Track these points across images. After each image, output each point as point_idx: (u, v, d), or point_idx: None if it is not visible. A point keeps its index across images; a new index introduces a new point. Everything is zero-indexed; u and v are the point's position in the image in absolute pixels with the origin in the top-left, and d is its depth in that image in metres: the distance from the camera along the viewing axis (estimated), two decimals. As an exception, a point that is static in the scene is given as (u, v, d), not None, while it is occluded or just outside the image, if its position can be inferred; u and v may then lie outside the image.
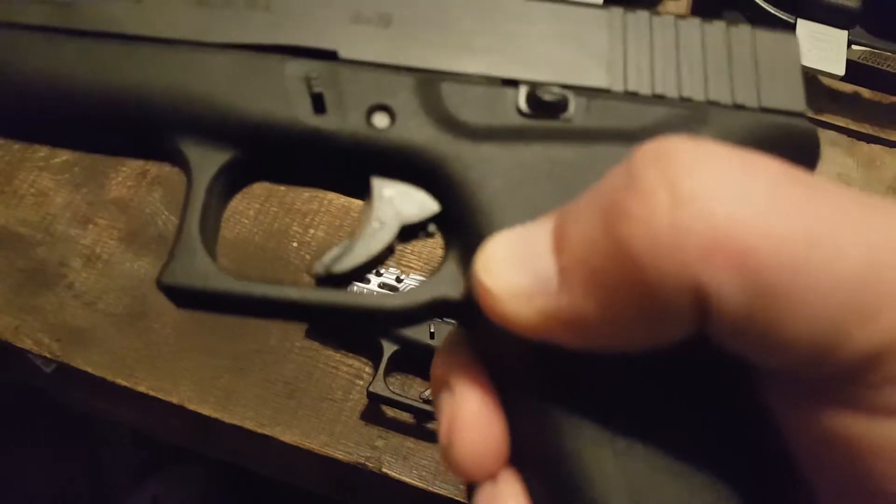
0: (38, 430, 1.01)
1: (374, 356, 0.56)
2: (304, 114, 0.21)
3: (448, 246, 0.21)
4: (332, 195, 0.63)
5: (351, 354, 0.57)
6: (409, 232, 0.21)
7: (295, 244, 0.61)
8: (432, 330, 0.54)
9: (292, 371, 0.56)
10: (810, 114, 0.23)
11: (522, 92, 0.21)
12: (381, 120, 0.21)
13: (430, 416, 0.54)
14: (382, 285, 0.55)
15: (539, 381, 0.19)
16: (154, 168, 0.63)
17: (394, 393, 0.53)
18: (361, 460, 0.54)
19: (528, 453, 0.19)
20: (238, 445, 0.62)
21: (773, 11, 0.65)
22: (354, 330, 0.54)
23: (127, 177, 0.63)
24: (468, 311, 0.20)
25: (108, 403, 0.66)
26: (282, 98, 0.21)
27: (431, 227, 0.21)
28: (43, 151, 0.63)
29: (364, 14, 0.22)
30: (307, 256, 0.60)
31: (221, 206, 0.22)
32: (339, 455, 0.54)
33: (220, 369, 0.56)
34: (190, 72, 0.21)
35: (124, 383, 0.55)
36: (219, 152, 0.21)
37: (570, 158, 0.20)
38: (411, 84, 0.21)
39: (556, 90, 0.21)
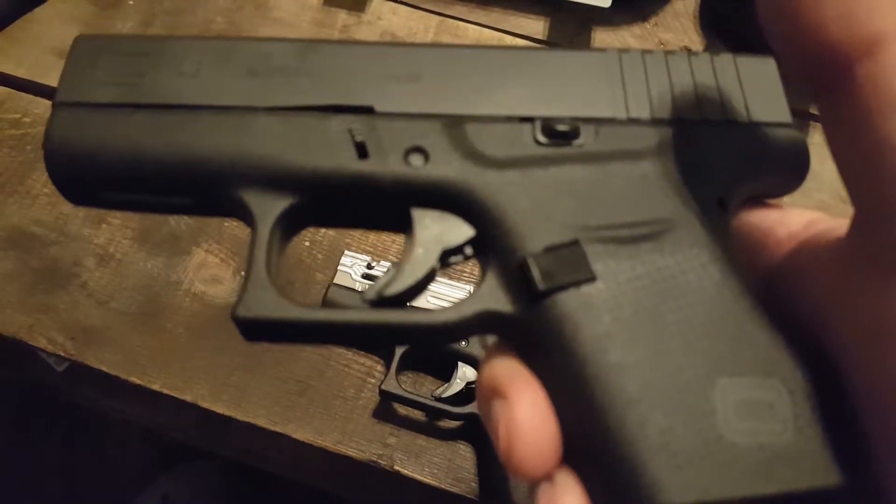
0: (50, 431, 1.02)
1: (385, 354, 0.57)
2: (349, 160, 0.23)
3: (485, 265, 0.23)
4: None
5: (362, 353, 0.57)
6: (449, 255, 0.23)
7: (307, 243, 0.61)
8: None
9: (304, 369, 0.56)
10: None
11: (538, 125, 0.24)
12: (416, 160, 0.23)
13: (442, 414, 0.54)
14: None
15: (585, 379, 0.20)
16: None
17: (405, 391, 0.53)
18: (373, 458, 0.54)
19: (578, 447, 0.20)
20: (250, 443, 0.62)
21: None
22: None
23: (139, 177, 0.63)
24: (512, 322, 0.22)
25: (120, 402, 0.67)
26: (329, 149, 0.23)
27: (468, 250, 0.23)
28: (56, 152, 0.64)
29: (395, 74, 0.24)
30: (319, 256, 0.60)
31: (282, 248, 0.24)
32: (352, 452, 0.54)
33: (233, 367, 0.56)
34: (246, 133, 0.23)
35: (137, 381, 0.56)
36: (278, 200, 0.23)
37: (585, 177, 0.23)
38: (440, 127, 0.24)
39: (568, 121, 0.24)
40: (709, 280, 0.21)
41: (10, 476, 1.00)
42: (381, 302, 0.23)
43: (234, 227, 0.61)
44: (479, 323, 0.22)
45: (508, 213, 0.22)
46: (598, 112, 0.24)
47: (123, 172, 0.23)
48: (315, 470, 0.62)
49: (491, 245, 0.23)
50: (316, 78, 0.24)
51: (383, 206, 0.24)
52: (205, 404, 0.55)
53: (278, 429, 0.54)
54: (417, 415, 0.55)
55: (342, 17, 0.73)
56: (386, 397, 0.54)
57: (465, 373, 0.55)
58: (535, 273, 0.21)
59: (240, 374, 0.56)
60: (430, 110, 0.24)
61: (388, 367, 0.54)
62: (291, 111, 0.24)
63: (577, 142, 0.24)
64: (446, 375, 0.55)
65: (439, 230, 0.23)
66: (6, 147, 0.64)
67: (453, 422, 0.55)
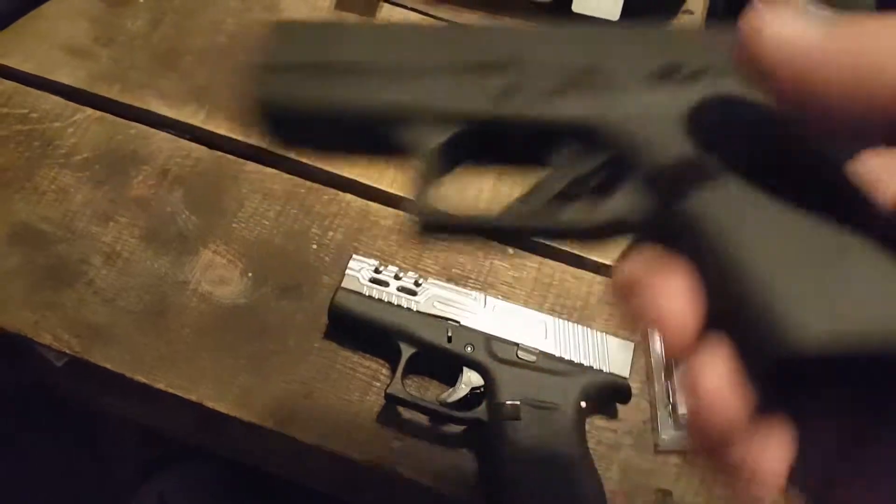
0: (47, 429, 1.01)
1: (391, 358, 0.57)
2: (501, 106, 0.27)
3: (616, 181, 0.26)
4: (350, 198, 0.63)
5: (368, 356, 0.57)
6: (583, 180, 0.26)
7: (314, 246, 0.61)
8: (450, 334, 0.55)
9: (310, 371, 0.57)
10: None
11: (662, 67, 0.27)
12: (557, 100, 0.27)
13: (446, 419, 0.55)
14: (401, 289, 0.56)
15: (725, 256, 0.22)
16: (175, 168, 0.64)
17: (411, 395, 0.54)
18: (377, 461, 0.54)
19: (721, 312, 0.22)
20: (253, 444, 0.62)
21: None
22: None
23: (148, 175, 0.63)
24: (646, 224, 0.25)
25: (122, 400, 0.66)
26: (484, 97, 0.27)
27: (601, 173, 0.26)
28: (64, 149, 0.64)
29: (537, 40, 0.28)
30: (326, 259, 0.61)
31: (440, 175, 0.28)
32: (355, 456, 0.54)
33: (238, 368, 0.56)
34: (418, 87, 0.28)
35: (143, 380, 0.56)
36: (439, 134, 0.27)
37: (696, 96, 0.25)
38: (579, 73, 0.27)
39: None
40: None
41: (7, 475, 0.99)
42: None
43: (241, 229, 0.62)
44: (616, 227, 0.25)
45: (639, 135, 0.25)
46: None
47: (330, 123, 0.28)
48: (318, 472, 0.62)
49: (622, 163, 0.25)
50: (474, 45, 0.29)
51: (529, 143, 0.27)
52: (210, 404, 0.55)
53: (283, 430, 0.55)
54: (422, 419, 0.56)
55: (353, 21, 0.73)
56: (391, 401, 0.54)
57: (469, 378, 0.55)
58: (665, 177, 0.24)
59: (245, 375, 0.56)
60: (572, 60, 0.28)
61: (393, 370, 0.54)
62: (456, 69, 0.28)
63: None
64: (451, 380, 0.55)
65: (573, 157, 0.26)
66: (13, 143, 0.64)
67: (457, 427, 0.55)
